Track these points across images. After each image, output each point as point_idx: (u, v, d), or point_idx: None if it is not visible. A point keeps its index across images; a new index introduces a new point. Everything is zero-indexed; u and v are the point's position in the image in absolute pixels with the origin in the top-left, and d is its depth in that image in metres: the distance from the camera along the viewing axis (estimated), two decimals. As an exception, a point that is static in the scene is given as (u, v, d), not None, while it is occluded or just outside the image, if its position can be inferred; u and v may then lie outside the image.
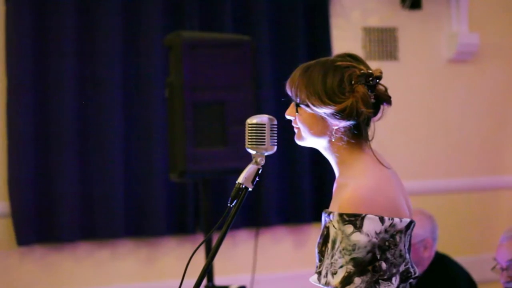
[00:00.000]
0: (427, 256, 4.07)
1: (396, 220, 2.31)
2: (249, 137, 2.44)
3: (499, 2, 5.78)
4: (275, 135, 2.45)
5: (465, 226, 5.62)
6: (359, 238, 2.27)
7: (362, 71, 2.39)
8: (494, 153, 5.76)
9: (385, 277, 2.29)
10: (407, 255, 2.36)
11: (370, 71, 2.39)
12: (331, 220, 2.34)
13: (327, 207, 2.45)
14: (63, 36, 4.74)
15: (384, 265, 2.29)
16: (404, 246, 2.35)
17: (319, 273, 2.36)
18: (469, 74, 5.68)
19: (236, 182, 2.43)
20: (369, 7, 5.47)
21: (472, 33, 5.63)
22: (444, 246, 4.40)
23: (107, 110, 4.81)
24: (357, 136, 2.41)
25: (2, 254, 4.74)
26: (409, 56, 5.55)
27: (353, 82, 2.37)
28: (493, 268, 3.57)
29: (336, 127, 2.39)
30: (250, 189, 2.43)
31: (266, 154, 2.45)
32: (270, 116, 2.45)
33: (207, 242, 4.22)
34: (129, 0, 4.89)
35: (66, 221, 4.73)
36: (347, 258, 2.28)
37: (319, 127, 2.41)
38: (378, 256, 2.28)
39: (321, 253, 2.38)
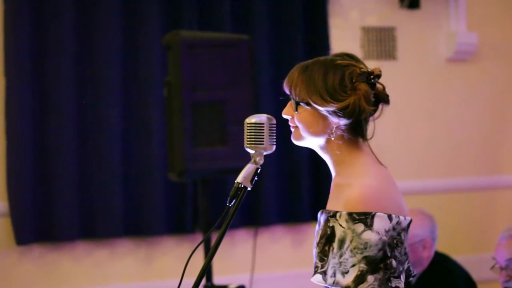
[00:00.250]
0: (427, 256, 4.07)
1: (401, 218, 2.32)
2: (248, 136, 2.43)
3: (498, 1, 5.77)
4: (274, 134, 2.44)
5: (465, 226, 5.61)
6: (370, 236, 2.27)
7: (362, 69, 2.39)
8: (493, 152, 5.75)
9: (396, 274, 2.30)
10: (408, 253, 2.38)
11: (370, 70, 2.39)
12: (336, 220, 2.34)
13: (326, 206, 2.45)
14: (62, 36, 4.74)
15: (394, 262, 2.30)
16: (406, 244, 2.36)
17: (324, 273, 2.35)
18: (467, 74, 5.68)
19: (235, 181, 2.42)
20: (368, 6, 5.47)
21: (471, 33, 5.62)
22: (443, 246, 4.40)
23: (106, 110, 4.81)
24: (356, 135, 2.41)
25: (1, 253, 4.74)
26: (407, 56, 5.55)
27: (354, 80, 2.37)
28: (492, 267, 3.57)
29: (336, 125, 2.38)
30: (249, 189, 2.43)
31: (265, 153, 2.44)
32: (269, 116, 2.44)
33: (206, 242, 4.22)
34: (128, 0, 4.89)
35: (65, 220, 4.72)
36: (359, 256, 2.28)
37: (319, 125, 2.40)
38: (389, 254, 2.29)
39: (323, 253, 2.37)
